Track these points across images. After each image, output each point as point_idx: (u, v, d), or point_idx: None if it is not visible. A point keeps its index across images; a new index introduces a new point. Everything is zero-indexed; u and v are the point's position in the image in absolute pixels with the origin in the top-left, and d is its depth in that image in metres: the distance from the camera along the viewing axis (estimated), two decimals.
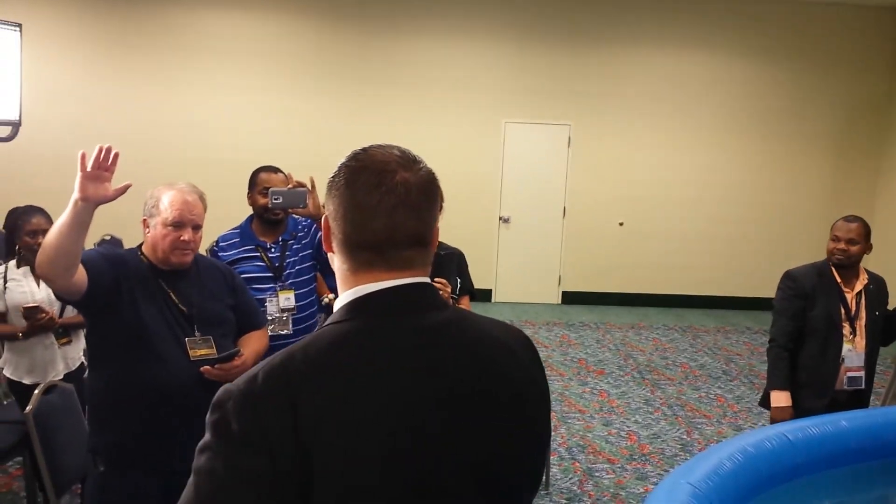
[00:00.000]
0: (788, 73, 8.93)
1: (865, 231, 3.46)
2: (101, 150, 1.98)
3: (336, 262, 1.15)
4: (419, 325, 1.10)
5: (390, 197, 1.09)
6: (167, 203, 2.32)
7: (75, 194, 1.98)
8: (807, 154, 9.10)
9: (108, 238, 7.02)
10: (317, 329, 1.11)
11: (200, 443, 1.00)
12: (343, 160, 1.15)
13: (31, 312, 3.42)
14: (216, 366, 2.30)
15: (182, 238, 2.31)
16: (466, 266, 3.44)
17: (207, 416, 1.01)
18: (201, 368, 2.29)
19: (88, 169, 1.96)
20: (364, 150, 1.14)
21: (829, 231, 3.55)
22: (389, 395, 1.03)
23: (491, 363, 1.13)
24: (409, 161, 1.13)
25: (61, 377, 3.50)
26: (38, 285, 3.57)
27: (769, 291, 10.07)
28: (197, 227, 2.37)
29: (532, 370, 1.19)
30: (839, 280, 3.49)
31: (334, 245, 1.15)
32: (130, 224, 6.99)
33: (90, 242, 6.61)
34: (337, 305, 1.13)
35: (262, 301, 3.12)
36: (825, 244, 3.55)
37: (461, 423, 1.07)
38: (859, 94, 9.01)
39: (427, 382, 1.06)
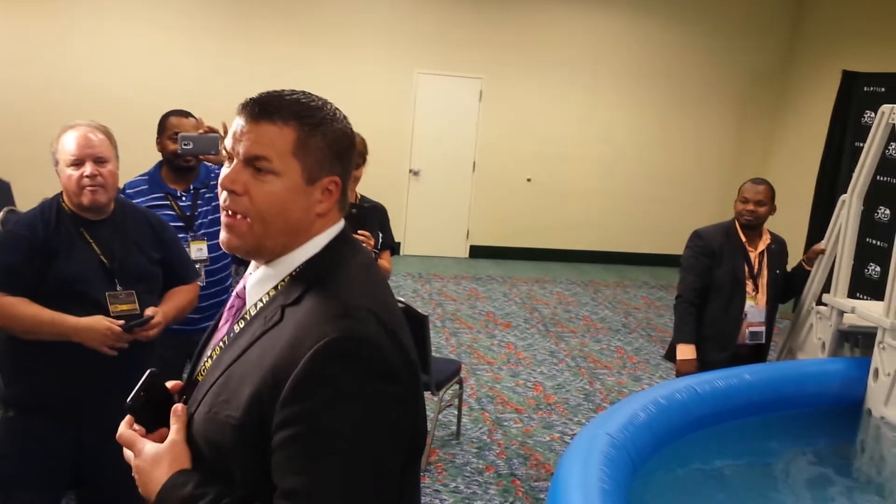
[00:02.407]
0: (695, 35, 9.16)
1: (772, 193, 3.61)
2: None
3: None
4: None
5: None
6: (66, 143, 2.19)
7: (79, 334, 2.09)
8: (708, 116, 9.41)
9: None
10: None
11: (312, 403, 1.01)
12: None
13: None
14: (133, 330, 2.18)
15: (84, 174, 2.16)
16: (388, 221, 3.38)
17: (314, 370, 1.01)
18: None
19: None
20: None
21: (724, 192, 3.68)
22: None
23: None
24: None
25: None
26: None
27: (667, 248, 10.33)
28: (100, 161, 2.19)
29: None
30: (744, 240, 3.64)
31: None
32: (14, 165, 6.57)
33: None
34: (317, 246, 1.17)
35: None
36: (721, 204, 3.69)
37: None
38: (760, 59, 9.34)
39: None
